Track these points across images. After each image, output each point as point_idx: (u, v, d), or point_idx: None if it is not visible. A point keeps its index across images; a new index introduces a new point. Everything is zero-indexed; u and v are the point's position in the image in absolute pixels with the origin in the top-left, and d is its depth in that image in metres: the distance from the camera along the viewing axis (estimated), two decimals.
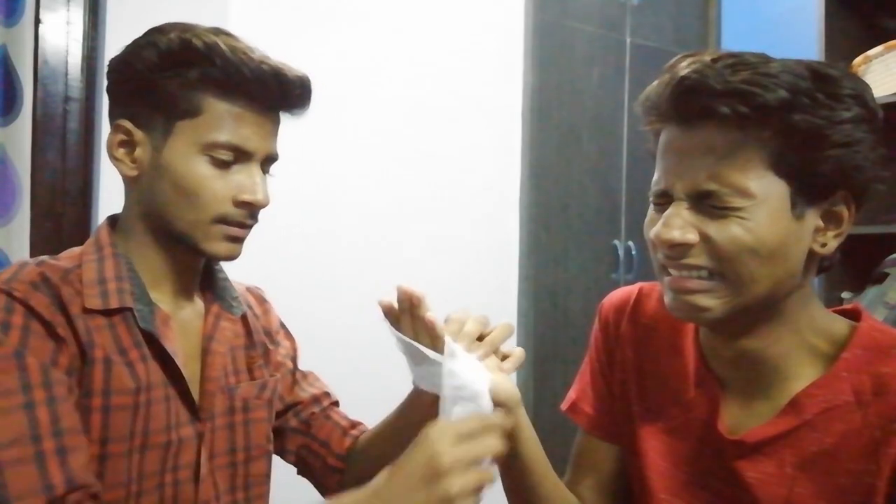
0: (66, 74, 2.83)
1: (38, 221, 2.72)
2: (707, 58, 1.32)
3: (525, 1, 4.31)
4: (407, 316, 1.47)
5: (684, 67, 1.32)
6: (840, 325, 1.45)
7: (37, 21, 2.73)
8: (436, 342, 1.43)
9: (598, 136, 4.69)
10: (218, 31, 1.58)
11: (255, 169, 1.59)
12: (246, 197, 1.57)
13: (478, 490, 1.27)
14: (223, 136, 1.55)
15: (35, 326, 1.44)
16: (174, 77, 1.54)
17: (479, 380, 1.42)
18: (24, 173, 2.62)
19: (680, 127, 1.35)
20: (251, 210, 1.60)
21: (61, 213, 2.83)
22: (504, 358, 1.55)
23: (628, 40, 4.84)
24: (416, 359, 1.44)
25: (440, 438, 1.27)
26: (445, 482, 1.24)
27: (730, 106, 1.26)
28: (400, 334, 1.45)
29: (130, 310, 1.55)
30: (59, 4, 2.82)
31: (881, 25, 3.49)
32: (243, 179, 1.58)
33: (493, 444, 1.30)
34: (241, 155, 1.57)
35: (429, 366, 1.42)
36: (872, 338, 1.41)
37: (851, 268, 2.88)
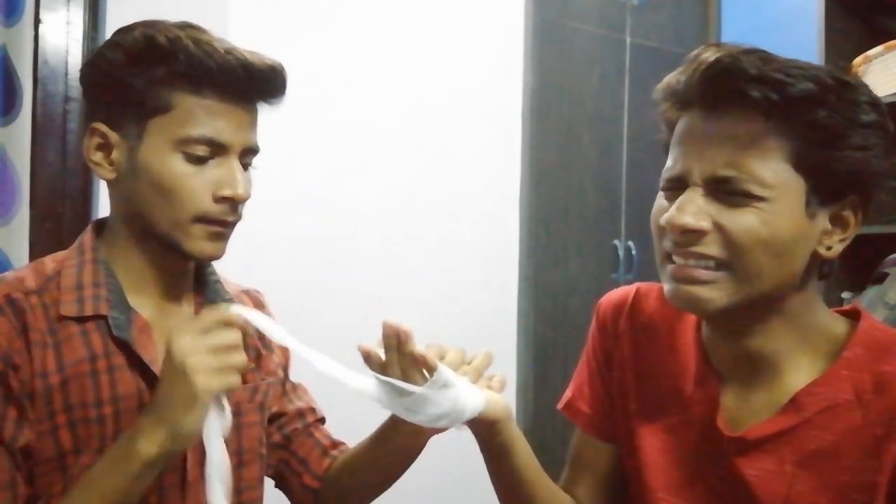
0: (66, 74, 2.83)
1: (37, 221, 2.73)
2: (733, 48, 1.34)
3: (525, 1, 4.31)
4: (394, 352, 1.43)
5: (713, 54, 1.33)
6: (840, 324, 1.46)
7: (37, 21, 2.73)
8: (428, 374, 1.42)
9: (598, 135, 4.68)
10: (183, 26, 1.56)
11: (233, 162, 1.57)
12: (225, 192, 1.55)
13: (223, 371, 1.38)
14: (196, 131, 1.53)
15: None
16: (141, 75, 1.52)
17: (475, 399, 1.44)
18: (24, 173, 2.62)
19: (703, 112, 1.36)
20: (232, 205, 1.57)
21: (61, 213, 2.83)
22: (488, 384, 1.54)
23: (628, 40, 4.83)
24: (394, 398, 1.42)
25: (178, 335, 1.38)
26: (188, 370, 1.35)
27: (761, 92, 1.27)
28: (381, 377, 1.43)
29: (105, 318, 1.55)
30: (59, 4, 2.82)
31: (881, 25, 3.50)
32: (221, 174, 1.55)
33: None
34: (217, 149, 1.55)
35: (415, 401, 1.41)
36: (873, 337, 1.42)
37: (851, 268, 2.88)
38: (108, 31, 2.75)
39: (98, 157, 1.58)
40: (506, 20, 4.26)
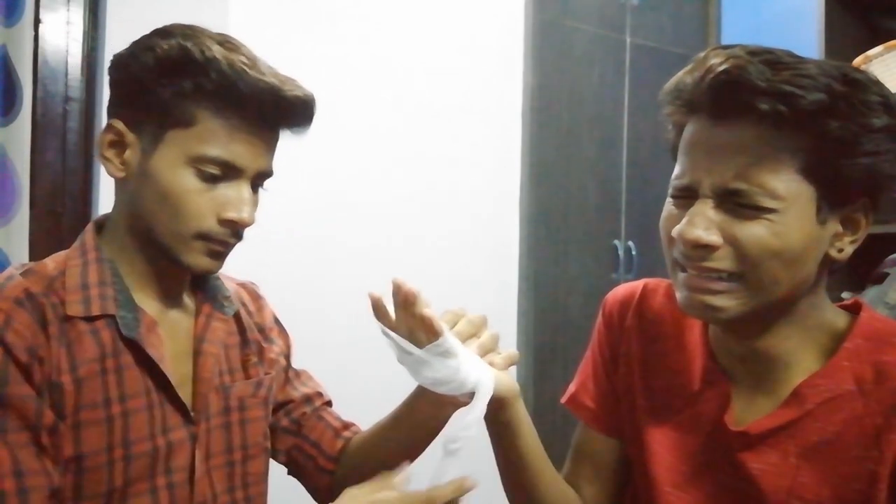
0: (66, 74, 2.83)
1: (37, 221, 2.72)
2: (741, 52, 1.30)
3: (525, 1, 4.31)
4: (401, 311, 1.44)
5: (721, 62, 1.30)
6: (841, 317, 1.46)
7: (37, 21, 2.72)
8: (431, 338, 1.41)
9: (598, 135, 4.67)
10: (223, 41, 1.54)
11: (244, 186, 1.56)
12: (231, 214, 1.54)
13: None
14: (213, 151, 1.52)
15: (13, 361, 1.43)
16: (169, 85, 1.51)
17: (478, 373, 1.44)
18: (24, 173, 2.61)
19: (711, 121, 1.34)
20: (235, 228, 1.57)
21: (61, 213, 2.83)
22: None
23: (628, 40, 4.82)
24: (401, 353, 1.43)
25: None
26: None
27: (770, 105, 1.25)
28: (386, 329, 1.44)
29: (113, 317, 1.54)
30: (59, 4, 2.81)
31: (881, 25, 3.48)
32: (230, 196, 1.55)
33: None
34: (230, 171, 1.54)
35: (415, 361, 1.42)
36: (873, 327, 1.42)
37: (851, 268, 2.86)
38: (109, 30, 2.84)
39: (110, 153, 1.57)
40: (506, 20, 4.26)
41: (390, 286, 1.43)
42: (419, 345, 1.42)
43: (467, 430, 1.42)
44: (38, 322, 1.47)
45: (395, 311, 1.45)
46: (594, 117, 4.67)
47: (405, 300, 1.41)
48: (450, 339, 1.42)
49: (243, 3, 3.26)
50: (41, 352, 1.46)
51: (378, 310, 1.45)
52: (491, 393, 1.44)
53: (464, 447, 1.42)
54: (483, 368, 1.46)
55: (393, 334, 1.42)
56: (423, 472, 1.44)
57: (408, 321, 1.43)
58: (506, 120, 4.26)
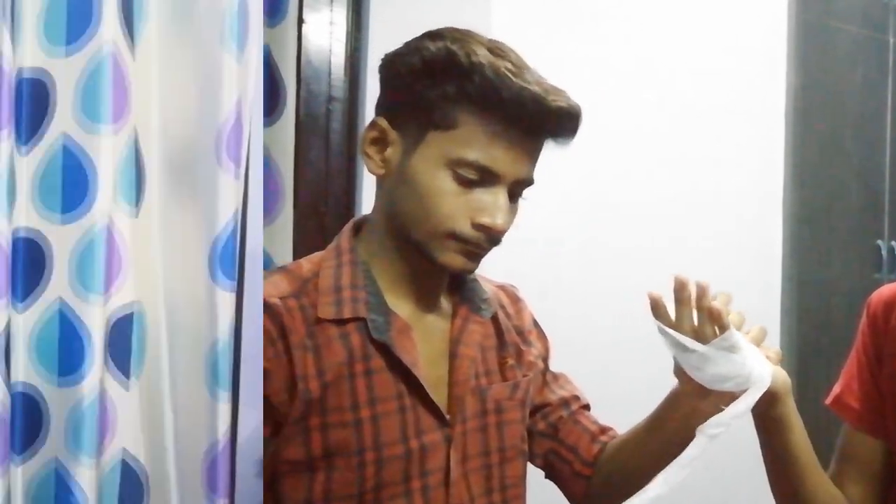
0: (330, 74, 2.72)
1: (300, 222, 2.62)
2: None
3: (788, 1, 4.03)
4: (684, 307, 1.38)
5: None
6: None
7: (300, 21, 2.61)
8: (721, 331, 1.36)
9: (860, 136, 4.40)
10: (492, 47, 1.46)
11: (500, 192, 1.47)
12: (484, 220, 1.45)
13: None
14: (472, 155, 1.43)
15: None
16: (433, 87, 1.45)
17: (760, 367, 1.35)
18: (288, 173, 2.51)
19: None
20: (489, 234, 1.47)
21: (324, 213, 2.72)
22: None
23: (892, 41, 4.50)
24: (681, 351, 1.37)
25: None
26: None
27: None
28: (665, 328, 1.38)
29: (364, 320, 1.47)
30: (322, 4, 2.71)
31: None
32: (485, 201, 1.46)
33: None
34: (488, 176, 1.45)
35: (699, 358, 1.36)
36: None
37: None
38: (372, 31, 2.73)
39: (372, 150, 1.54)
40: (769, 20, 4.00)
41: (671, 283, 1.37)
42: (702, 341, 1.37)
43: (734, 419, 1.34)
44: (275, 332, 1.44)
45: (676, 308, 1.40)
46: (857, 118, 4.41)
47: (697, 294, 1.37)
48: (735, 332, 1.37)
49: (506, 2, 3.11)
50: (266, 364, 1.43)
51: (657, 309, 1.41)
52: (767, 386, 1.35)
53: (722, 435, 1.35)
54: (763, 362, 1.37)
55: (673, 332, 1.38)
56: None
57: (688, 319, 1.39)
58: (769, 120, 4.00)
